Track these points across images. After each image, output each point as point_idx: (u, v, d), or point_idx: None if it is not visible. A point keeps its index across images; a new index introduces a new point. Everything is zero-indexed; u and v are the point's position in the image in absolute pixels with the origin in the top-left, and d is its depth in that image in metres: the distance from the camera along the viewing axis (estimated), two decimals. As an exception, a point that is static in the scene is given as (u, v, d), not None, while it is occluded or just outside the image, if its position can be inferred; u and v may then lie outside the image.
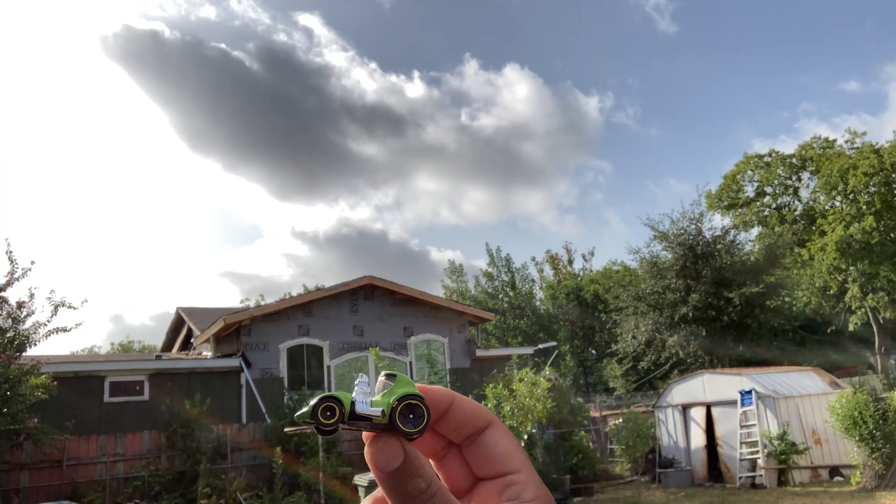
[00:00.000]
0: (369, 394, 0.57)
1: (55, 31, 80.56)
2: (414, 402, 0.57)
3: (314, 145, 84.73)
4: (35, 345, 12.87)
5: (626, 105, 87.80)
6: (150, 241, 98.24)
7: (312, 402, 0.56)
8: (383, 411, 0.56)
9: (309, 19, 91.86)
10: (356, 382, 0.58)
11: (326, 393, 0.57)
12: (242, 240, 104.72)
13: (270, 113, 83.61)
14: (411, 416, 0.56)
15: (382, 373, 0.60)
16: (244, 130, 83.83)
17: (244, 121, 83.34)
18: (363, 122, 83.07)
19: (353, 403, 0.56)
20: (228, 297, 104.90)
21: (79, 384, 16.75)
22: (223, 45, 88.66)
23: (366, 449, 0.56)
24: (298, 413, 0.58)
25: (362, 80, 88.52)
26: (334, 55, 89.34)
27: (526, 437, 13.99)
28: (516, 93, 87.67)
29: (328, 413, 0.56)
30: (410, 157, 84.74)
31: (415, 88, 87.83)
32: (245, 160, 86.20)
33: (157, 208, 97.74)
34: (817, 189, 40.05)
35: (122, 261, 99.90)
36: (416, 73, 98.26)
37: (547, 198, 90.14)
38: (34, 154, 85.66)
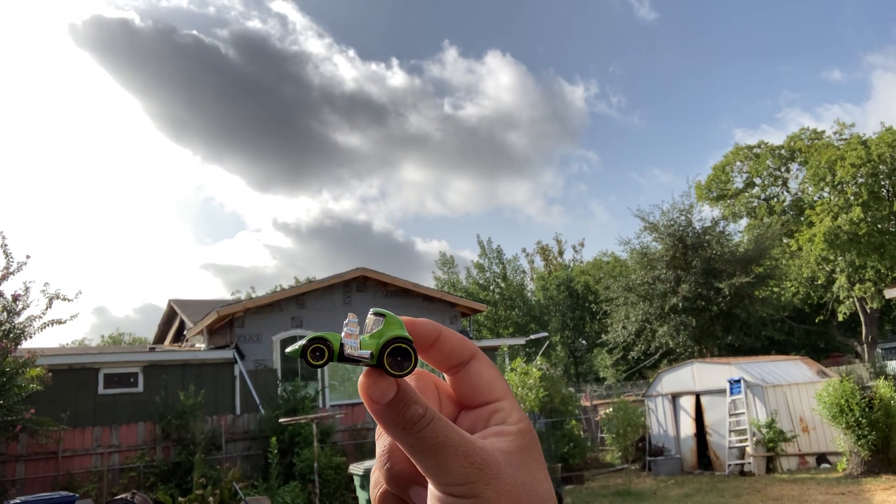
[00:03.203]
0: (358, 334, 0.58)
1: (23, 19, 79.00)
2: (402, 345, 0.58)
3: (294, 135, 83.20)
4: (30, 337, 12.92)
5: (610, 94, 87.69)
6: (129, 233, 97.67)
7: (302, 342, 0.57)
8: (372, 353, 0.57)
9: (282, 6, 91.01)
10: (345, 322, 0.59)
11: (316, 334, 0.58)
12: (224, 232, 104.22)
13: (248, 102, 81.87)
14: (399, 358, 0.57)
15: (372, 310, 0.61)
16: (222, 119, 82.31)
17: (222, 110, 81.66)
18: (344, 111, 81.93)
19: (341, 345, 0.57)
20: (212, 289, 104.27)
21: (73, 376, 16.82)
22: (195, 32, 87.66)
23: (360, 382, 0.57)
24: (288, 350, 0.59)
25: (341, 67, 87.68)
26: (311, 42, 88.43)
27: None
28: (499, 80, 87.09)
29: (317, 354, 0.57)
30: (394, 148, 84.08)
31: (395, 77, 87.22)
32: (224, 150, 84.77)
33: (136, 200, 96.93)
34: (806, 180, 40.38)
35: (102, 253, 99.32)
36: (394, 61, 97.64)
37: (533, 188, 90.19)
38: (9, 147, 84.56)
